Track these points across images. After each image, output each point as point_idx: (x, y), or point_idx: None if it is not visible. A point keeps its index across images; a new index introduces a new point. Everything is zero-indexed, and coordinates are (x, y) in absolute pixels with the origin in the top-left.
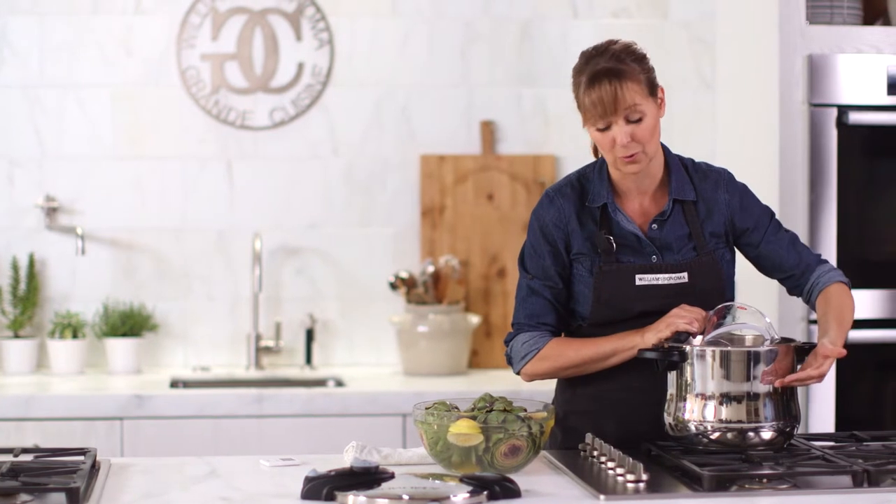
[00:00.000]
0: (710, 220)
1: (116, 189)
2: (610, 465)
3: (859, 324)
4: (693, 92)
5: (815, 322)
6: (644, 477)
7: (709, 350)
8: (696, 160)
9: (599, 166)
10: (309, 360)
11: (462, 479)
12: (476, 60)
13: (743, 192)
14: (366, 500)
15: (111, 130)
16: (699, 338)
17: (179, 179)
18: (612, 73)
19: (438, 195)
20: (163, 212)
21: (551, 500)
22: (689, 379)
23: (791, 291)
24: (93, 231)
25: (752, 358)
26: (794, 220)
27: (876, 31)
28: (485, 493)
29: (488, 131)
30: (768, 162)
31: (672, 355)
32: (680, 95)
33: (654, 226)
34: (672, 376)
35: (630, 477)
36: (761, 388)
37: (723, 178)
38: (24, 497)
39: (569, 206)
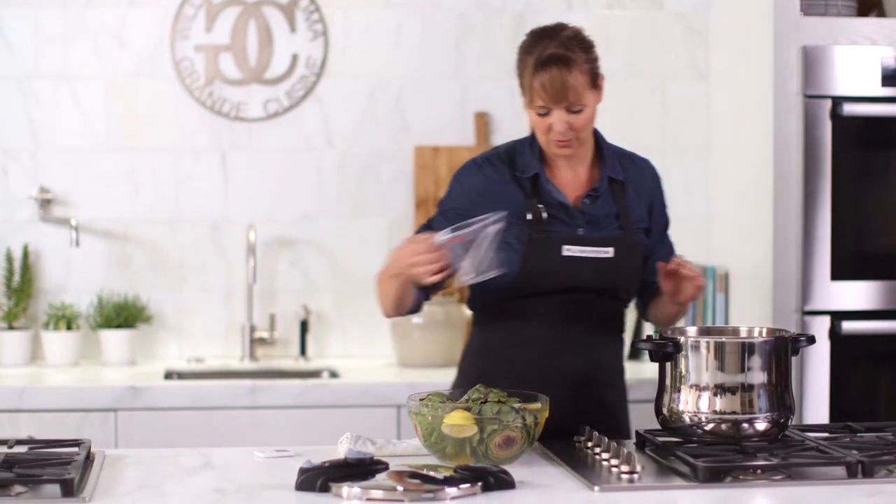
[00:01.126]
0: (637, 204)
1: (111, 180)
2: (604, 456)
3: (853, 315)
4: (687, 83)
5: (808, 313)
6: (638, 468)
7: (703, 341)
8: (624, 148)
9: (530, 140)
10: (303, 351)
11: (456, 470)
12: (470, 52)
13: (661, 188)
14: (360, 492)
15: (105, 122)
16: (693, 328)
17: (174, 171)
18: (561, 60)
19: (433, 186)
20: (157, 203)
21: (546, 491)
22: (683, 370)
23: (640, 294)
24: (87, 222)
25: (747, 349)
26: (789, 212)
27: (870, 23)
28: (479, 484)
29: (482, 123)
30: (763, 153)
31: (666, 346)
32: (674, 87)
33: (587, 200)
34: (666, 367)
35: (624, 468)
36: (756, 379)
37: (648, 167)
38: (18, 488)
39: (496, 174)
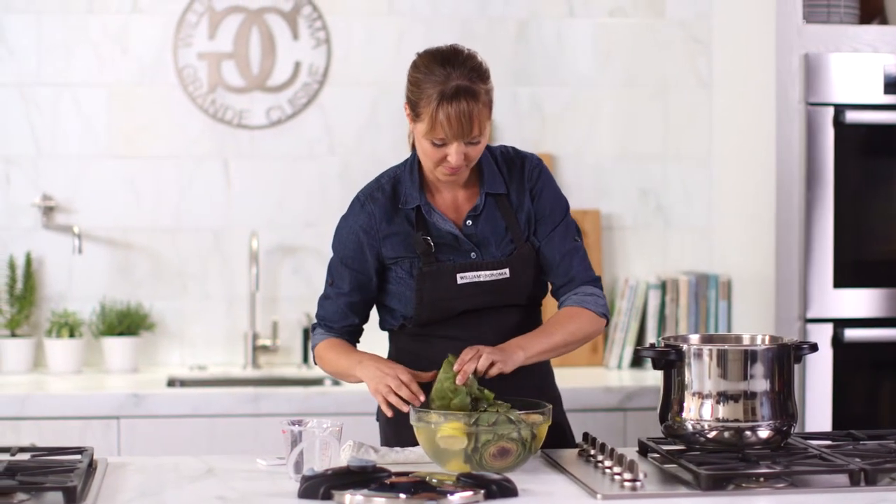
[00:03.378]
0: (522, 207)
1: (113, 188)
2: (607, 464)
3: (856, 323)
4: (689, 91)
5: (811, 321)
6: (641, 476)
7: (706, 349)
8: (507, 147)
9: (411, 165)
10: (306, 358)
11: (459, 478)
12: None
13: (544, 180)
14: (363, 499)
15: (107, 129)
16: (696, 336)
17: (176, 178)
18: (469, 93)
19: None
20: (159, 211)
21: (548, 499)
22: (685, 378)
23: (552, 296)
24: (89, 230)
25: (749, 357)
26: (791, 219)
27: (872, 31)
28: (482, 492)
29: None
30: (765, 161)
31: (669, 354)
32: (676, 94)
33: (469, 222)
34: (669, 375)
35: (627, 476)
36: (758, 386)
37: (528, 162)
38: (21, 496)
39: (380, 211)
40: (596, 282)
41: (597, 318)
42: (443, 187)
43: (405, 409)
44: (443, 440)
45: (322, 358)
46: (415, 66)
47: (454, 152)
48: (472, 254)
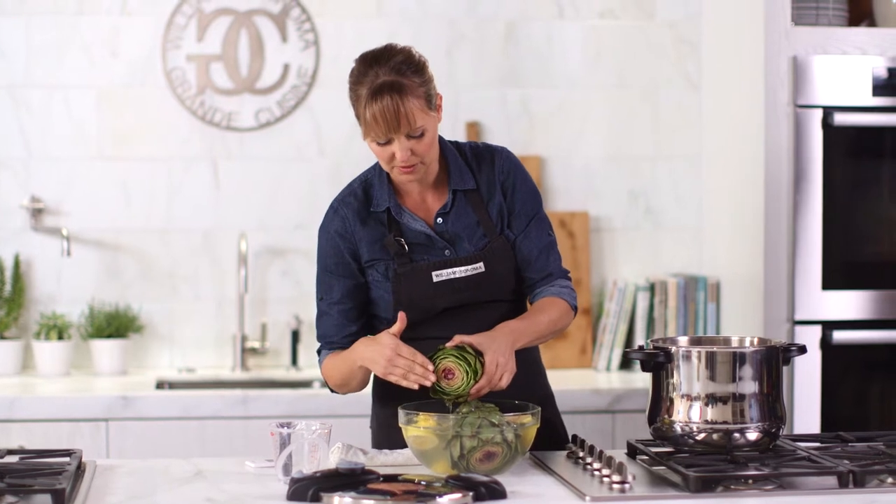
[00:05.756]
0: (493, 200)
1: (102, 190)
2: (596, 466)
3: (844, 325)
4: (679, 92)
5: (799, 323)
6: (629, 478)
7: (694, 351)
8: (475, 142)
9: (380, 169)
10: (295, 361)
11: (448, 480)
12: (461, 61)
13: (516, 173)
14: (351, 502)
15: (97, 131)
16: (685, 338)
17: (165, 180)
18: (393, 87)
19: None
20: (148, 213)
21: (537, 500)
22: (674, 380)
23: (525, 290)
24: (78, 232)
25: (738, 359)
26: (779, 221)
27: (861, 33)
28: (471, 494)
29: (474, 132)
30: (754, 163)
31: (658, 356)
32: (666, 96)
33: (440, 220)
34: (658, 377)
35: (616, 478)
36: (747, 389)
37: (499, 154)
38: (9, 498)
39: (352, 214)
40: (568, 275)
41: (570, 310)
42: (410, 188)
43: (428, 382)
44: (412, 440)
45: (328, 376)
46: (350, 73)
47: (398, 149)
48: (446, 251)
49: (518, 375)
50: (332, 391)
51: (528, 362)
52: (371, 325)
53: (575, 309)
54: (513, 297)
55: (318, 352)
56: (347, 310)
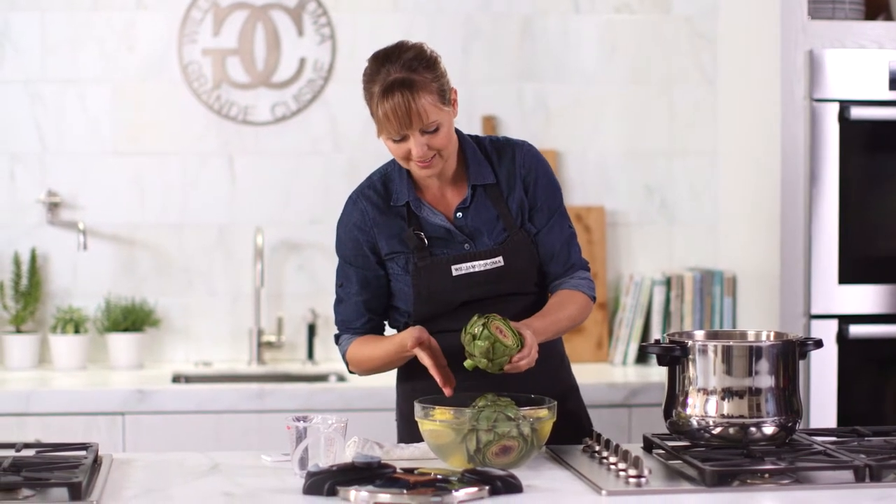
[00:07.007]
0: (513, 194)
1: (118, 184)
2: (612, 460)
3: (860, 319)
4: (694, 87)
5: (816, 317)
6: (646, 472)
7: (711, 345)
8: (496, 136)
9: (399, 164)
10: (311, 355)
11: (464, 474)
12: (477, 55)
13: (538, 167)
14: (367, 496)
15: (112, 125)
16: (701, 332)
17: (181, 175)
18: (405, 84)
19: None
20: (164, 207)
21: (553, 495)
22: (690, 374)
23: (547, 283)
24: (94, 226)
25: (754, 353)
26: (796, 216)
27: (878, 27)
28: (487, 487)
29: (490, 126)
30: (770, 157)
31: (674, 350)
32: (681, 91)
33: (459, 214)
34: (674, 371)
35: (632, 472)
36: (763, 383)
37: (520, 149)
38: (26, 492)
39: (371, 208)
40: (587, 266)
41: (590, 301)
42: (430, 182)
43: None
44: (428, 433)
45: (354, 360)
46: (363, 72)
47: (413, 145)
48: (466, 245)
49: (542, 367)
50: (351, 372)
51: (552, 355)
52: (390, 315)
53: (594, 300)
54: (533, 290)
55: (337, 336)
56: (366, 300)
